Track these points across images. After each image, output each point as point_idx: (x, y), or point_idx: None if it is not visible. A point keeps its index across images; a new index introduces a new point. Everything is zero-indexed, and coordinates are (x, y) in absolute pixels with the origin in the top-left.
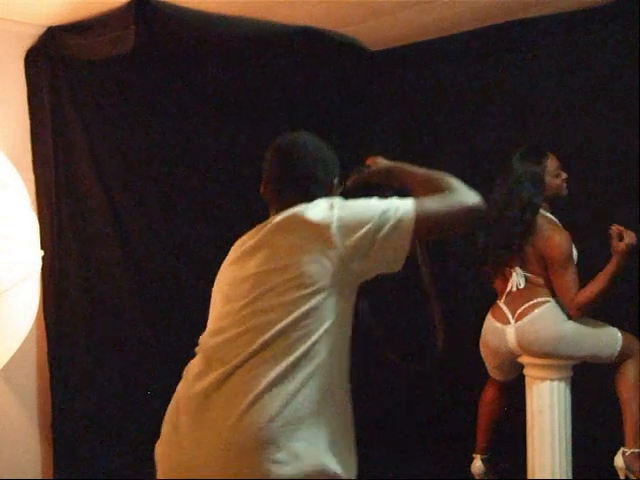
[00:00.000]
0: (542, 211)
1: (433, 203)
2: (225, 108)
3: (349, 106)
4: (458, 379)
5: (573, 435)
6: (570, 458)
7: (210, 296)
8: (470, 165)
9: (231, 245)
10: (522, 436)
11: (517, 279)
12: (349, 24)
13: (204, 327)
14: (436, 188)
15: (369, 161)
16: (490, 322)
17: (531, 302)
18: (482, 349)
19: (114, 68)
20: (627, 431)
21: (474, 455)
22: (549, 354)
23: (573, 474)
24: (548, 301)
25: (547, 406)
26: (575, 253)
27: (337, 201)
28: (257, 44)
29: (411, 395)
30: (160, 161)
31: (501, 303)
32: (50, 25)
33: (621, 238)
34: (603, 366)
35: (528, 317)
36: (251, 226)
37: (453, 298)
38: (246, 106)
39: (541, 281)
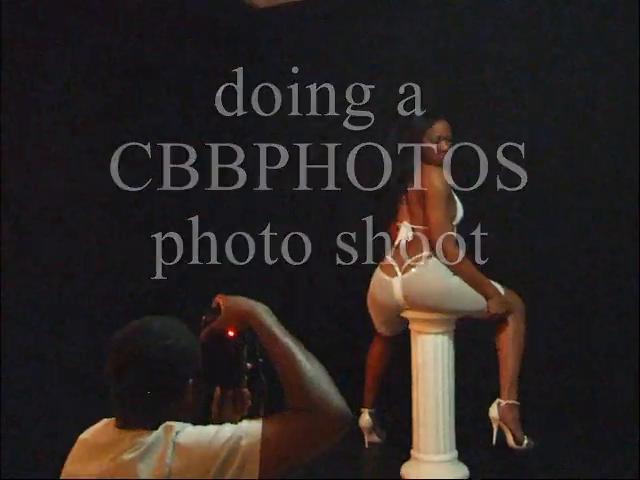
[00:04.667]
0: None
1: (287, 427)
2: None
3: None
4: (347, 334)
5: (455, 387)
6: (453, 409)
7: None
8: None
9: None
10: (409, 389)
11: (405, 232)
12: None
13: None
14: (294, 378)
15: (217, 301)
16: (378, 275)
17: (418, 255)
18: (370, 303)
19: None
20: (503, 383)
21: (362, 409)
22: (433, 308)
23: (455, 424)
24: (434, 255)
25: (431, 359)
26: (460, 211)
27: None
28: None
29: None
30: None
31: (389, 256)
32: None
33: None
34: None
35: (414, 270)
36: None
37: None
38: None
39: (429, 234)
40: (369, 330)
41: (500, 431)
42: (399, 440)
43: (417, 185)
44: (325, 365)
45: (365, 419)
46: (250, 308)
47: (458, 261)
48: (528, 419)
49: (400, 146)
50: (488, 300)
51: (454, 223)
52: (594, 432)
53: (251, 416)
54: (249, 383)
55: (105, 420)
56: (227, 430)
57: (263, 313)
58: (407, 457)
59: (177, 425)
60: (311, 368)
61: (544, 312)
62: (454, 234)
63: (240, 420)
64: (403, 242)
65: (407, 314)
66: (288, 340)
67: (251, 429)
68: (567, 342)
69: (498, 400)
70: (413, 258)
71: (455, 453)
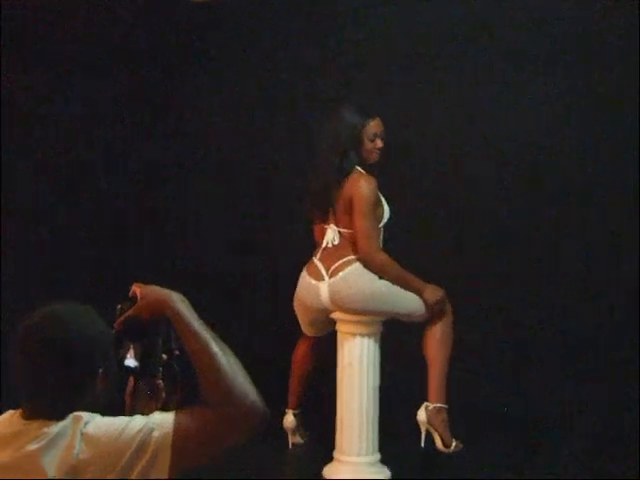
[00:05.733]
0: (357, 166)
1: (200, 420)
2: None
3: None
4: (274, 334)
5: (382, 390)
6: (377, 411)
7: None
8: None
9: None
10: (334, 391)
11: (331, 235)
12: None
13: None
14: (210, 371)
15: (134, 291)
16: (304, 278)
17: (345, 259)
18: (296, 305)
19: None
20: (430, 386)
21: (286, 410)
22: (361, 310)
23: (380, 427)
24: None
25: (356, 360)
26: (387, 212)
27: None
28: None
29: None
30: None
31: (316, 259)
32: None
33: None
34: (413, 323)
35: (341, 274)
36: None
37: (272, 253)
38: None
39: (355, 237)
40: (295, 330)
41: (428, 434)
42: (324, 441)
43: (345, 190)
44: (250, 364)
45: (289, 420)
46: (166, 297)
47: (383, 264)
48: (456, 421)
49: (336, 145)
50: (422, 294)
51: (380, 226)
52: (520, 436)
53: (165, 408)
54: (164, 374)
55: (11, 411)
56: (138, 422)
57: (179, 303)
58: (330, 458)
59: (85, 415)
60: (227, 361)
61: (472, 314)
62: (379, 240)
63: (155, 412)
64: (330, 245)
65: (334, 315)
66: (204, 332)
67: (163, 421)
68: (496, 345)
69: (426, 403)
70: (340, 262)
71: (378, 455)
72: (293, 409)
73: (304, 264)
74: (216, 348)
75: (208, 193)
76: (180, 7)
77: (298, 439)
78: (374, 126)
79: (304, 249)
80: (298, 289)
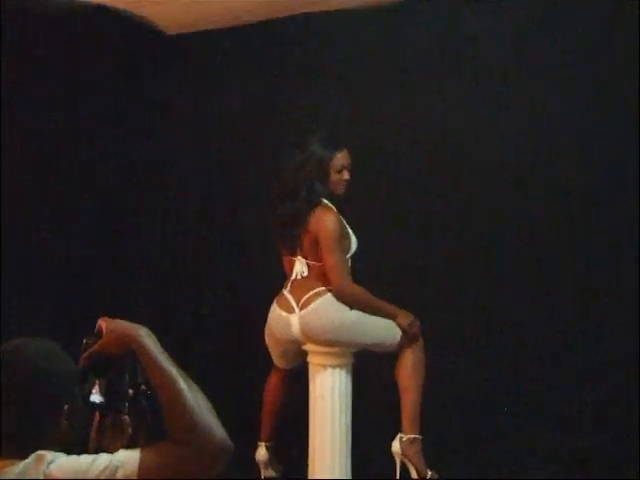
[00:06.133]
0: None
1: (166, 458)
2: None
3: (143, 90)
4: (245, 366)
5: (356, 421)
6: (349, 442)
7: None
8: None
9: None
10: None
11: (300, 268)
12: (143, 5)
13: None
14: (175, 406)
15: (99, 325)
16: (275, 311)
17: (314, 291)
18: (267, 337)
19: None
20: (404, 418)
21: (259, 443)
22: (332, 342)
23: (353, 459)
24: (331, 290)
25: (328, 392)
26: (354, 243)
27: None
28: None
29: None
30: None
31: (286, 291)
32: None
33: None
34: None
35: (312, 306)
36: None
37: (241, 285)
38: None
39: (324, 269)
40: (266, 362)
41: (403, 465)
42: (297, 474)
43: (311, 224)
44: (221, 398)
45: (261, 453)
46: (132, 331)
47: (356, 296)
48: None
49: (302, 177)
50: (396, 319)
51: (348, 256)
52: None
53: (132, 444)
54: (130, 409)
55: None
56: (103, 460)
57: (145, 337)
58: None
59: (49, 455)
60: (193, 398)
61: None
62: (348, 272)
63: (122, 448)
64: (299, 277)
65: (306, 347)
66: (170, 367)
67: (128, 459)
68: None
69: (400, 435)
70: (309, 294)
71: None
72: (265, 442)
73: (274, 296)
74: (182, 384)
75: (176, 225)
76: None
77: (271, 473)
78: (341, 158)
79: (275, 280)
80: (269, 321)
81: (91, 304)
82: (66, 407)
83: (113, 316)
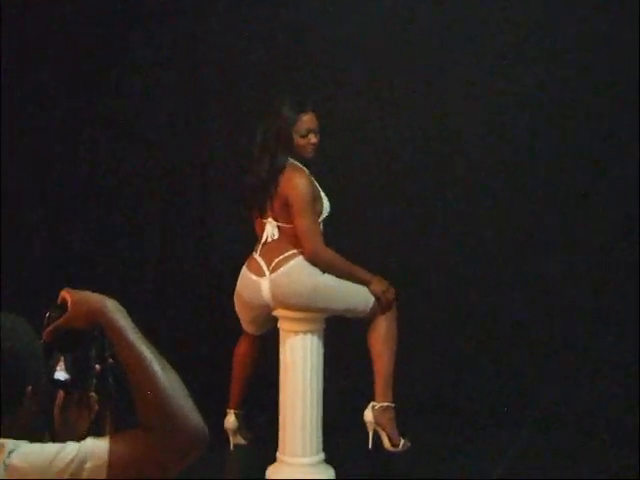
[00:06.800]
0: (292, 160)
1: (137, 447)
2: None
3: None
4: (214, 333)
5: (327, 389)
6: (321, 411)
7: None
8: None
9: None
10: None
11: (270, 230)
12: None
13: None
14: (147, 389)
15: (63, 296)
16: (245, 274)
17: (286, 254)
18: (237, 302)
19: None
20: (377, 385)
21: (228, 410)
22: (303, 307)
23: (325, 428)
24: (303, 253)
25: (299, 358)
26: (326, 206)
27: None
28: None
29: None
30: None
31: (256, 255)
32: None
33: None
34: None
35: (282, 269)
36: None
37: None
38: None
39: (295, 232)
40: (236, 328)
41: (376, 433)
42: (267, 442)
43: (281, 186)
44: (190, 365)
45: (230, 420)
46: (100, 305)
47: (329, 260)
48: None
49: (267, 141)
50: (369, 285)
51: (320, 220)
52: (465, 429)
53: (98, 421)
54: (97, 387)
55: None
56: (69, 450)
57: (115, 311)
58: (274, 459)
59: (10, 443)
60: (167, 380)
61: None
62: (320, 235)
63: (87, 425)
64: (269, 240)
65: (276, 312)
66: (142, 345)
67: (97, 449)
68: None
69: (372, 403)
70: (281, 257)
71: (322, 455)
72: (234, 409)
73: (244, 260)
74: (155, 365)
75: (150, 187)
76: None
77: (240, 440)
78: (307, 121)
79: (244, 245)
80: (238, 286)
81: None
82: (29, 388)
83: (79, 287)
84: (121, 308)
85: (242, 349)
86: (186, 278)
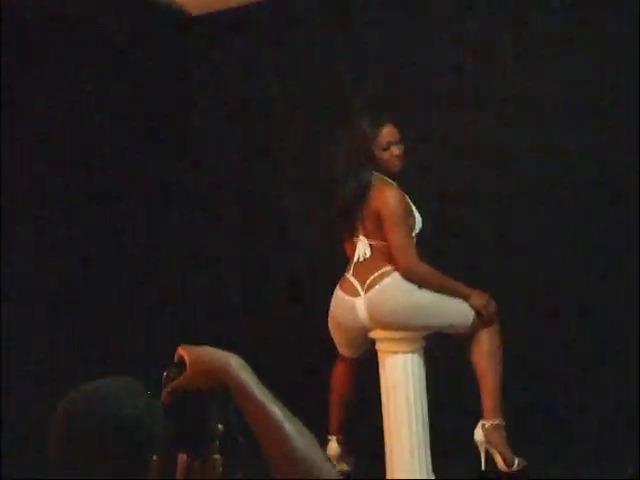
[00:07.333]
0: (379, 175)
1: None
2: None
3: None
4: (309, 358)
5: (431, 409)
6: (427, 433)
7: None
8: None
9: None
10: (379, 414)
11: (362, 249)
12: None
13: None
14: (283, 456)
15: (180, 354)
16: (339, 296)
17: (380, 271)
18: (331, 325)
19: None
20: (485, 403)
21: (329, 437)
22: (401, 325)
23: (433, 448)
24: (398, 269)
25: (401, 380)
26: (419, 220)
27: None
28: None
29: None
30: None
31: (349, 275)
32: None
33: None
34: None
35: (377, 287)
36: None
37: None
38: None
39: (388, 249)
40: (330, 352)
41: (487, 453)
42: (371, 466)
43: (372, 202)
44: (286, 391)
45: (333, 447)
46: (222, 363)
47: (425, 275)
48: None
49: (350, 160)
50: (469, 299)
51: (413, 235)
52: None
53: None
54: (221, 447)
55: None
56: None
57: (240, 370)
58: None
59: None
60: (303, 443)
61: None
62: (414, 250)
63: None
64: (362, 258)
65: (374, 334)
66: (272, 407)
67: None
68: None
69: (482, 422)
70: (375, 275)
71: (432, 477)
72: (336, 435)
73: (335, 283)
74: (287, 425)
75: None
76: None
77: (344, 466)
78: (386, 134)
79: (334, 267)
80: (332, 308)
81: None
82: (155, 458)
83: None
84: (246, 365)
85: (339, 373)
86: (272, 305)
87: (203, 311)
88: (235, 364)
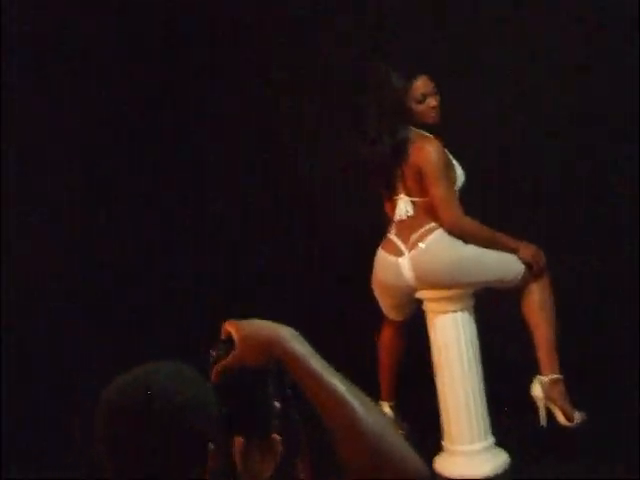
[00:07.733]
0: (417, 130)
1: None
2: None
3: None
4: (353, 324)
5: (484, 367)
6: (483, 392)
7: None
8: None
9: None
10: (430, 376)
11: (403, 207)
12: None
13: None
14: (348, 430)
15: (227, 329)
16: (382, 257)
17: (423, 229)
18: (375, 287)
19: None
20: (541, 357)
21: (380, 402)
22: (449, 283)
23: (488, 407)
24: (442, 225)
25: (453, 340)
26: (460, 174)
27: None
28: None
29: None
30: None
31: (391, 235)
32: None
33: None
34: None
35: (422, 245)
36: None
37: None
38: None
39: (431, 205)
40: (377, 316)
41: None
42: (426, 431)
43: (411, 158)
44: (333, 360)
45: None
46: (274, 337)
47: (471, 229)
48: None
49: (383, 116)
50: (517, 252)
51: (456, 189)
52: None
53: (286, 464)
54: (280, 426)
55: None
56: None
57: (292, 340)
58: (437, 449)
59: None
60: (369, 415)
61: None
62: (458, 204)
63: (272, 474)
64: (404, 217)
65: (420, 294)
66: (331, 377)
67: None
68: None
69: (539, 377)
70: (418, 232)
71: (492, 439)
72: (388, 401)
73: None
74: (353, 400)
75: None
76: None
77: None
78: (420, 86)
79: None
80: (376, 269)
81: None
82: (212, 446)
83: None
84: (299, 336)
85: (386, 337)
86: (316, 265)
87: (242, 287)
88: (288, 336)
